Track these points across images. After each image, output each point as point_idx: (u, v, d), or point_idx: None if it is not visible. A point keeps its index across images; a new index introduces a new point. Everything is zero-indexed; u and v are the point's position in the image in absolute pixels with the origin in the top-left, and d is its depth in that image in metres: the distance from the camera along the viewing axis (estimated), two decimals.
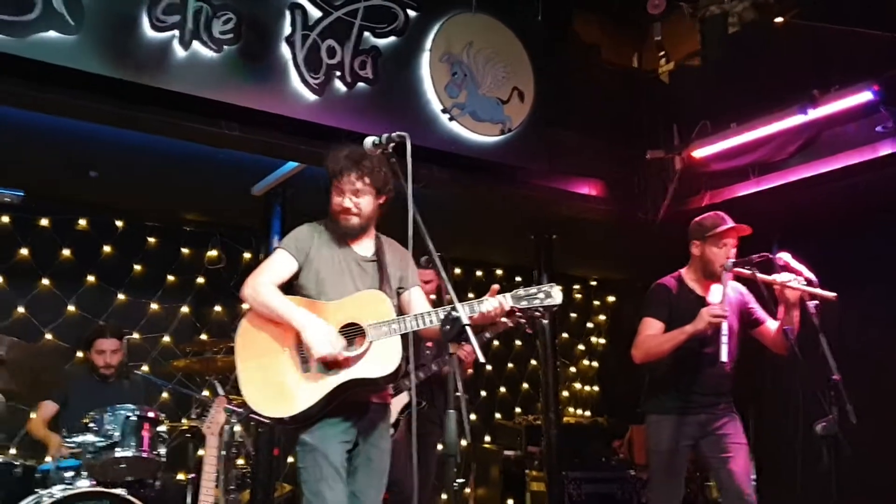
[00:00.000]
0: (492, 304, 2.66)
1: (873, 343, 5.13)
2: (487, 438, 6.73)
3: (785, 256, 3.57)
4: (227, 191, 5.12)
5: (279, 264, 2.94)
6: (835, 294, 3.50)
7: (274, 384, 2.78)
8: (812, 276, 3.51)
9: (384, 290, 2.93)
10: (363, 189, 2.88)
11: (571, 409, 7.52)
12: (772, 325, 3.78)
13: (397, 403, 4.07)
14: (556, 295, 2.72)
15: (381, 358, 2.78)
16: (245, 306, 2.92)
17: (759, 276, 3.52)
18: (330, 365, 2.75)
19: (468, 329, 2.32)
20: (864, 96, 4.49)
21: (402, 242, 2.74)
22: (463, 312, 2.33)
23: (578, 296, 7.84)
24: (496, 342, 7.00)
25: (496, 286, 2.73)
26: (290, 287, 2.96)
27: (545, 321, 3.98)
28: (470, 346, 3.83)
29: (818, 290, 3.48)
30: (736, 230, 3.71)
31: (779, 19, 5.11)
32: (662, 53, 6.15)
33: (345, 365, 2.76)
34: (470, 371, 4.19)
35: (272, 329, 2.84)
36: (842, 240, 5.35)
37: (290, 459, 4.36)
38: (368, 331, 2.78)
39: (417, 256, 3.93)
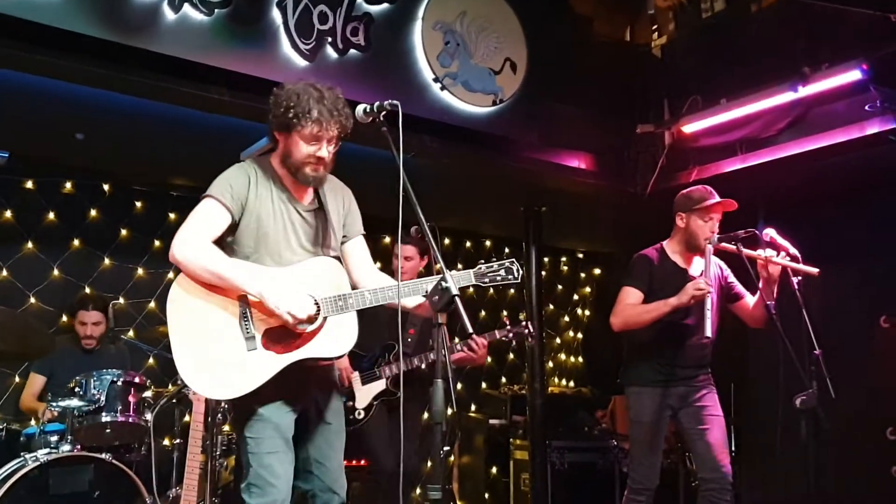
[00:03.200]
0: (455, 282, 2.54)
1: (855, 318, 5.20)
2: (473, 407, 6.80)
3: (770, 232, 3.62)
4: (216, 156, 5.03)
5: (213, 218, 2.59)
6: (817, 269, 3.55)
7: (215, 362, 2.50)
8: (796, 253, 3.56)
9: (328, 245, 2.73)
10: (336, 137, 2.63)
11: (556, 380, 7.60)
12: (750, 300, 3.83)
13: (373, 389, 4.11)
14: (517, 271, 2.76)
15: (336, 335, 2.61)
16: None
17: (744, 251, 3.56)
18: (279, 343, 2.55)
19: (457, 300, 2.29)
20: (854, 75, 4.50)
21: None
22: (452, 283, 2.31)
23: (565, 268, 7.87)
24: (483, 313, 7.04)
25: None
26: (221, 243, 2.62)
27: (528, 337, 4.07)
28: (483, 342, 3.87)
29: (801, 266, 3.53)
30: (722, 204, 3.75)
31: None
32: (655, 27, 6.14)
33: (297, 343, 2.56)
34: (481, 361, 4.17)
35: (212, 299, 2.53)
36: (828, 216, 5.39)
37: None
38: (323, 305, 2.57)
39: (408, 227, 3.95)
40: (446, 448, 2.38)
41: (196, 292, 2.54)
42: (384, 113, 2.55)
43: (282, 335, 2.56)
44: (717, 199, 3.74)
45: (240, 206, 2.61)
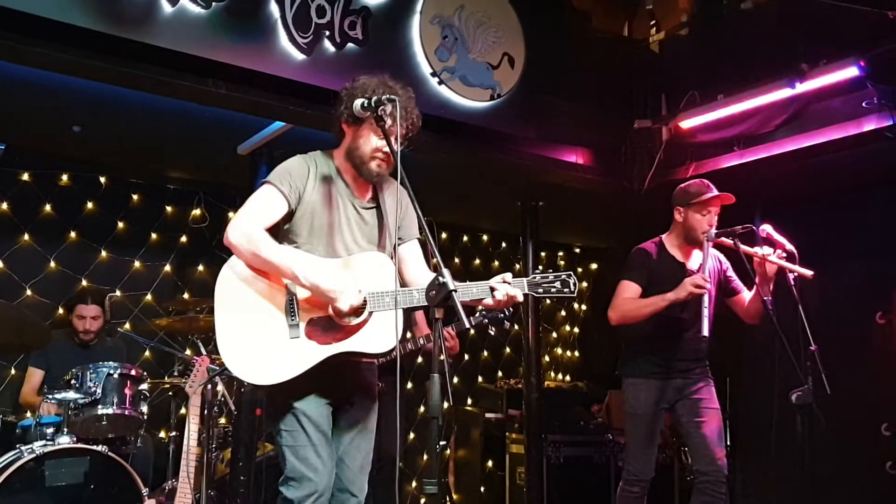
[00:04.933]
0: (503, 292, 2.50)
1: (851, 314, 5.21)
2: (469, 401, 6.81)
3: (767, 228, 3.63)
4: (213, 149, 5.07)
5: (270, 206, 2.59)
6: (812, 272, 3.56)
7: (257, 347, 2.51)
8: (792, 249, 3.58)
9: (383, 245, 2.73)
10: (404, 136, 2.62)
11: (552, 374, 7.62)
12: (746, 294, 3.85)
13: None
14: (573, 285, 2.61)
15: (380, 332, 2.57)
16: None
17: (741, 247, 3.57)
18: (322, 334, 2.54)
19: (454, 296, 2.27)
20: (851, 72, 4.50)
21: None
22: (449, 278, 2.29)
23: (562, 262, 7.89)
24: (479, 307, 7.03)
25: (509, 274, 2.56)
26: (277, 229, 2.65)
27: (506, 321, 4.03)
28: (451, 333, 3.91)
29: (796, 267, 3.55)
30: (720, 198, 3.77)
31: None
32: (653, 22, 6.13)
33: (340, 335, 2.54)
34: (454, 350, 4.22)
35: (259, 284, 2.56)
36: (824, 213, 5.41)
37: None
38: (370, 300, 2.54)
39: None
40: (442, 442, 2.38)
41: (245, 276, 2.56)
42: (382, 107, 2.54)
43: (326, 326, 2.55)
44: (715, 192, 3.75)
45: (297, 196, 2.62)
